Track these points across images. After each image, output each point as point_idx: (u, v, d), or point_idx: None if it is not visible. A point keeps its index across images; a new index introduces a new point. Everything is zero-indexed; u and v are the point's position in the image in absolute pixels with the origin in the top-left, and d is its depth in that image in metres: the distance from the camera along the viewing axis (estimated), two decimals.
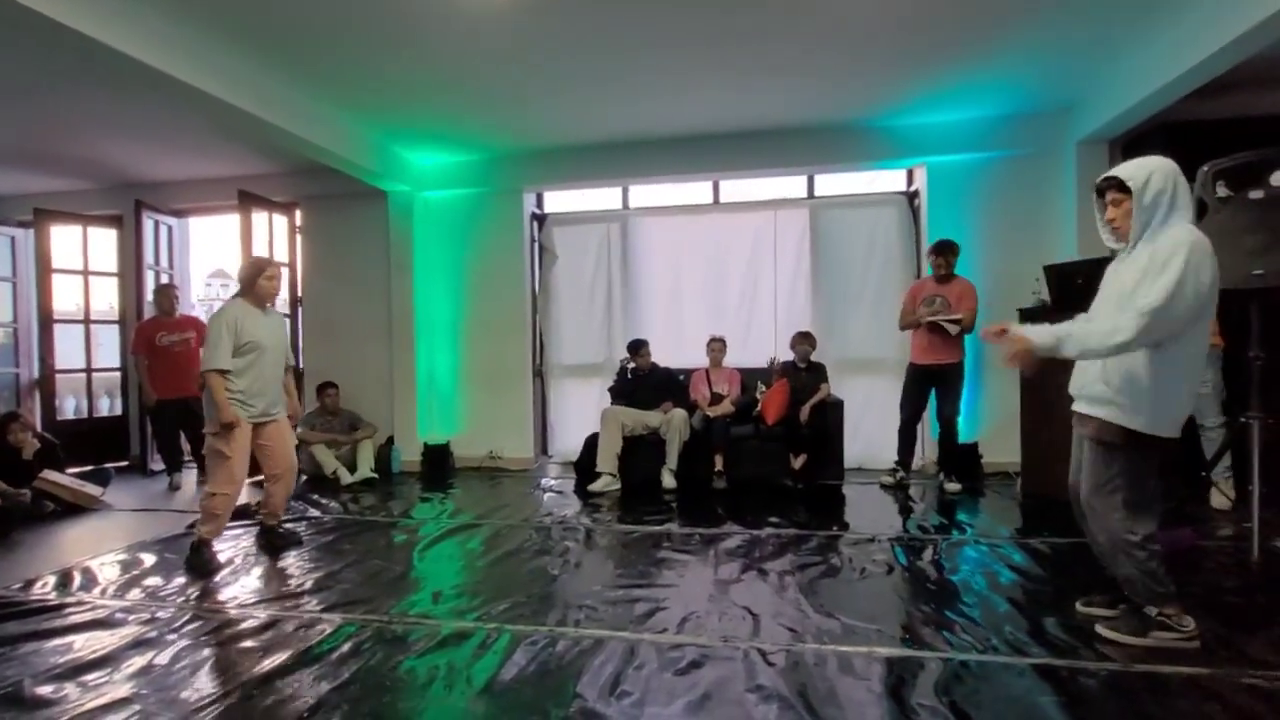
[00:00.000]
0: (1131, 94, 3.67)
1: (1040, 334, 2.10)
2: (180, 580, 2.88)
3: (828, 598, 2.53)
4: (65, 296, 5.66)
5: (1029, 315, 4.01)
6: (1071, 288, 3.72)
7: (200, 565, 2.99)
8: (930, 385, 4.25)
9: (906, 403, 4.34)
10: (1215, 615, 2.25)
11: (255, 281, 3.11)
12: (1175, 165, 2.04)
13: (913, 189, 5.06)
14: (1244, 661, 1.95)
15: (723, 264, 5.31)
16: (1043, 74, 3.90)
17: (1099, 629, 2.13)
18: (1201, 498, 3.60)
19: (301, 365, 5.50)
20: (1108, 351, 1.96)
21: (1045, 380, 3.58)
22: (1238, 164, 2.72)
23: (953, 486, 4.17)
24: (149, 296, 5.52)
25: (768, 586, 2.67)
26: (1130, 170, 2.05)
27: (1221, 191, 2.76)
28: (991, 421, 4.65)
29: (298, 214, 5.62)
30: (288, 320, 3.42)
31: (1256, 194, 2.68)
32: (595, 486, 4.43)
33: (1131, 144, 4.27)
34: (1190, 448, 3.56)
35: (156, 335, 4.80)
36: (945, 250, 4.19)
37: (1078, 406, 2.21)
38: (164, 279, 5.73)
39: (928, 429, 4.64)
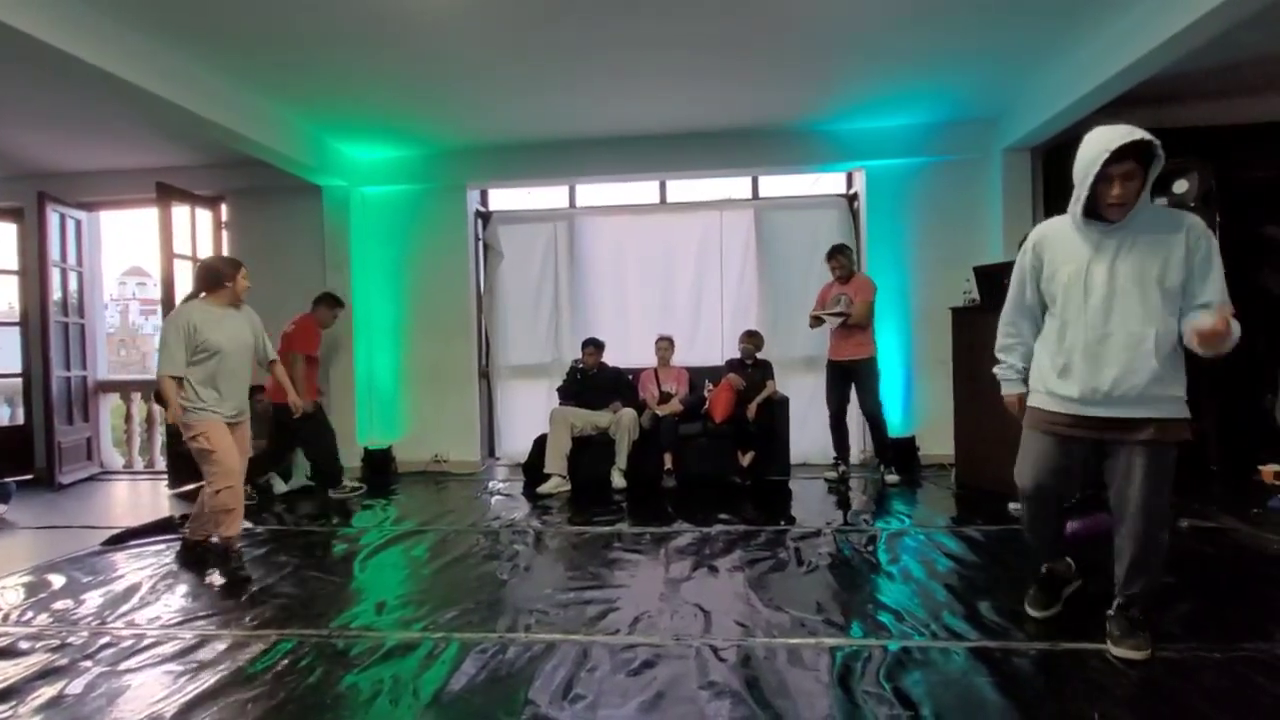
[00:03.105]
0: (1051, 105, 3.91)
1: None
2: (96, 602, 2.67)
3: (776, 591, 2.58)
4: None
5: (960, 314, 4.21)
6: (998, 288, 3.91)
7: (233, 571, 2.92)
8: (847, 380, 4.40)
9: (830, 398, 4.48)
10: None
11: (233, 279, 3.04)
12: None
13: (853, 191, 5.22)
14: (1155, 635, 2.09)
15: (670, 264, 5.34)
16: (971, 85, 4.10)
17: (1116, 653, 1.97)
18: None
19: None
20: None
21: (978, 375, 3.76)
22: None
23: (892, 479, 4.33)
24: (55, 295, 5.11)
25: (718, 583, 2.71)
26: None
27: None
28: (927, 415, 4.85)
29: (223, 208, 5.32)
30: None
31: (1161, 201, 2.90)
32: (544, 488, 4.38)
33: (1052, 152, 4.53)
34: None
35: None
36: (835, 253, 4.40)
37: (1110, 411, 1.94)
38: (72, 277, 5.31)
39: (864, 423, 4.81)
